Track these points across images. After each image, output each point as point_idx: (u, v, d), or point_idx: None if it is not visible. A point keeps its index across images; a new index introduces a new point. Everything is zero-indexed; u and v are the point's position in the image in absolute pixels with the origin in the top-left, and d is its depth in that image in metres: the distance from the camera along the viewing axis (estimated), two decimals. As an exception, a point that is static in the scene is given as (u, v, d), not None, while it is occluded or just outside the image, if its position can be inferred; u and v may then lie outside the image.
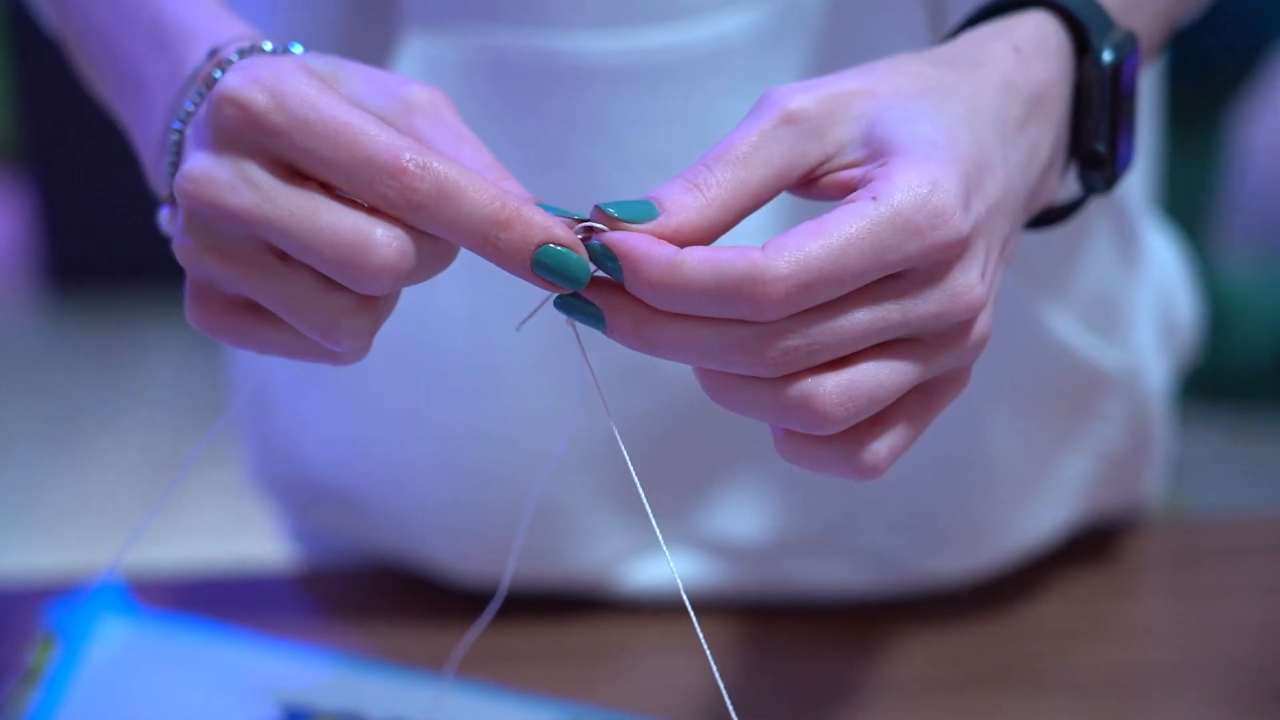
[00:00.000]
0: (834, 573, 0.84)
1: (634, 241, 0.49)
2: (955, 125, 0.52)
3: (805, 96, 0.52)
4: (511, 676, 0.78)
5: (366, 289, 0.51)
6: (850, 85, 0.52)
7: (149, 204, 2.87)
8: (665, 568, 0.84)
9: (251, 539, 2.34)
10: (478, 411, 0.80)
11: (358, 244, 0.50)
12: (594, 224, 0.50)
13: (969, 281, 0.51)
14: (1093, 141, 0.58)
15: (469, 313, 0.78)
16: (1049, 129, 0.56)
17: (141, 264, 3.06)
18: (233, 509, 2.44)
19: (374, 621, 0.84)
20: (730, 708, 0.51)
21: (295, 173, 0.51)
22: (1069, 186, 0.61)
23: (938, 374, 0.52)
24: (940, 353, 0.51)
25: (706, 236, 0.50)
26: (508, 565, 0.79)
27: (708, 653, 0.51)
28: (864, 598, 0.84)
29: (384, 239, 0.50)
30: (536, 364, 0.79)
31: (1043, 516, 0.84)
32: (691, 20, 0.72)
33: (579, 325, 0.52)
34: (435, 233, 0.50)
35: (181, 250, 0.52)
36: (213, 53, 0.56)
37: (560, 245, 0.50)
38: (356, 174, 0.49)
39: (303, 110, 0.50)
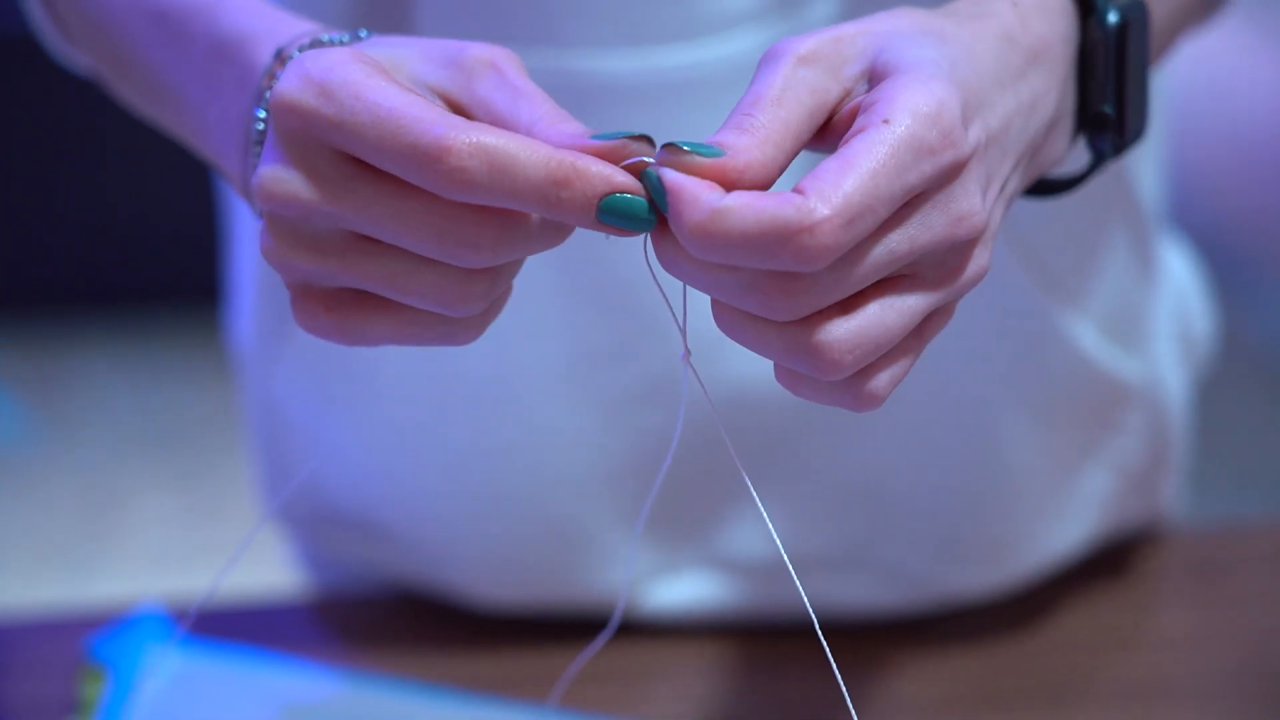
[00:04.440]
0: (854, 591, 0.84)
1: (684, 181, 0.49)
2: (955, 59, 0.52)
3: (811, 39, 0.52)
4: (564, 698, 0.78)
5: (471, 263, 0.51)
6: (851, 28, 0.53)
7: (79, 232, 2.83)
8: (686, 588, 0.85)
9: (195, 570, 2.32)
10: (499, 434, 0.80)
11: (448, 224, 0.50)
12: (648, 160, 0.50)
13: (971, 205, 0.51)
14: (1099, 103, 0.58)
15: (489, 333, 0.78)
16: (1052, 85, 0.56)
17: (73, 293, 3.02)
18: (174, 539, 2.41)
19: (395, 647, 0.84)
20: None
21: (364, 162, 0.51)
22: (1079, 158, 0.62)
23: (934, 307, 0.52)
24: (939, 287, 0.52)
25: (769, 176, 0.50)
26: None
27: (836, 672, 0.51)
28: (884, 616, 0.85)
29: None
30: (556, 385, 0.79)
31: (1064, 531, 0.85)
32: (706, 39, 0.73)
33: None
34: (499, 205, 0.49)
35: (269, 252, 0.52)
36: (278, 53, 0.56)
37: (623, 192, 0.49)
38: (405, 160, 0.49)
39: (349, 101, 0.49)
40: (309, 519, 0.87)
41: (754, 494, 0.56)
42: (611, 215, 0.49)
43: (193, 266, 2.92)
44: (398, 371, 0.80)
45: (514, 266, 0.54)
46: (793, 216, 0.48)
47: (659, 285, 0.53)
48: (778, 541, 0.57)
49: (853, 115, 0.52)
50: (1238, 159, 2.36)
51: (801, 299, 0.49)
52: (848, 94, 0.52)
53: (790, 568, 0.54)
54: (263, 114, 0.56)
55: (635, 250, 0.52)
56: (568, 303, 0.77)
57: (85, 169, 2.92)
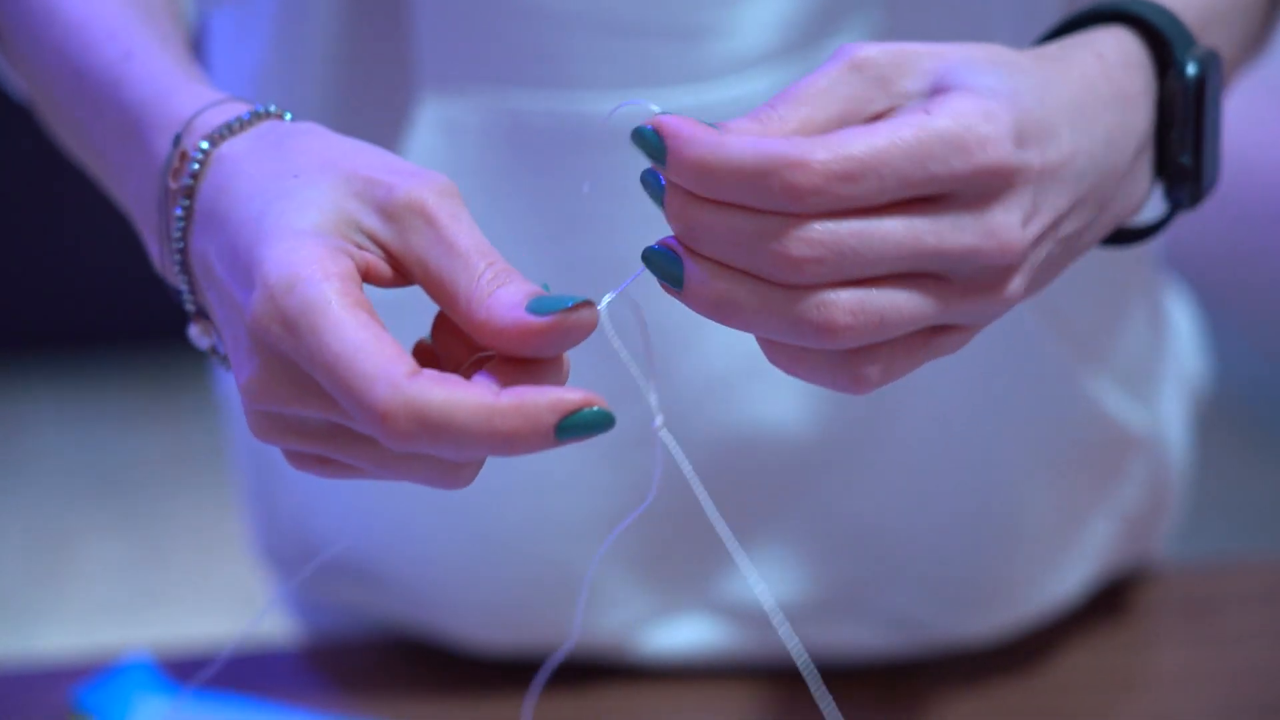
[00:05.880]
0: (857, 637, 0.83)
1: (680, 123, 0.49)
2: (1023, 89, 0.52)
3: (876, 48, 0.52)
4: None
5: (460, 460, 0.49)
6: (922, 47, 0.53)
7: (22, 274, 2.77)
8: (685, 632, 0.84)
9: (145, 615, 2.29)
10: (496, 477, 0.79)
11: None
12: (589, 301, 0.50)
13: (1009, 222, 0.50)
14: (1179, 154, 0.58)
15: None
16: (1130, 135, 0.56)
17: (16, 336, 2.99)
18: (122, 584, 2.38)
19: (388, 693, 0.83)
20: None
21: None
22: (1154, 208, 0.61)
23: (951, 321, 0.52)
24: (965, 298, 0.51)
25: None
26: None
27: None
28: (887, 661, 0.84)
29: None
30: None
31: (1066, 578, 0.85)
32: (714, 83, 0.72)
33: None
34: (448, 458, 0.49)
35: (256, 433, 0.51)
36: (176, 140, 0.54)
37: (576, 408, 0.48)
38: (353, 414, 0.48)
39: (307, 337, 0.48)
40: (300, 564, 0.85)
41: (736, 549, 0.55)
42: (571, 434, 0.48)
43: (138, 309, 2.89)
44: None
45: None
46: (787, 150, 0.48)
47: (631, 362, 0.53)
48: (760, 590, 0.56)
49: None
50: (1212, 204, 2.38)
51: (811, 241, 0.49)
52: (893, 107, 0.52)
53: (771, 614, 0.53)
54: (181, 212, 0.53)
55: (635, 292, 0.52)
56: None
57: (29, 212, 2.89)
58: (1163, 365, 0.86)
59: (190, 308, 0.55)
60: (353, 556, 0.83)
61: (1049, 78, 0.53)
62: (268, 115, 0.55)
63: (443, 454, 0.48)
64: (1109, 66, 0.56)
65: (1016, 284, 0.51)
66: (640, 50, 0.71)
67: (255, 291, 0.49)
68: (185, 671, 0.81)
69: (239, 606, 2.27)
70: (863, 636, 0.83)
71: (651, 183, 0.51)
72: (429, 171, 0.51)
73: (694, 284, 0.51)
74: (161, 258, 0.56)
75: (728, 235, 0.49)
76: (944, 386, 0.78)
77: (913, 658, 0.84)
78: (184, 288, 0.54)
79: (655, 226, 0.76)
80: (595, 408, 0.48)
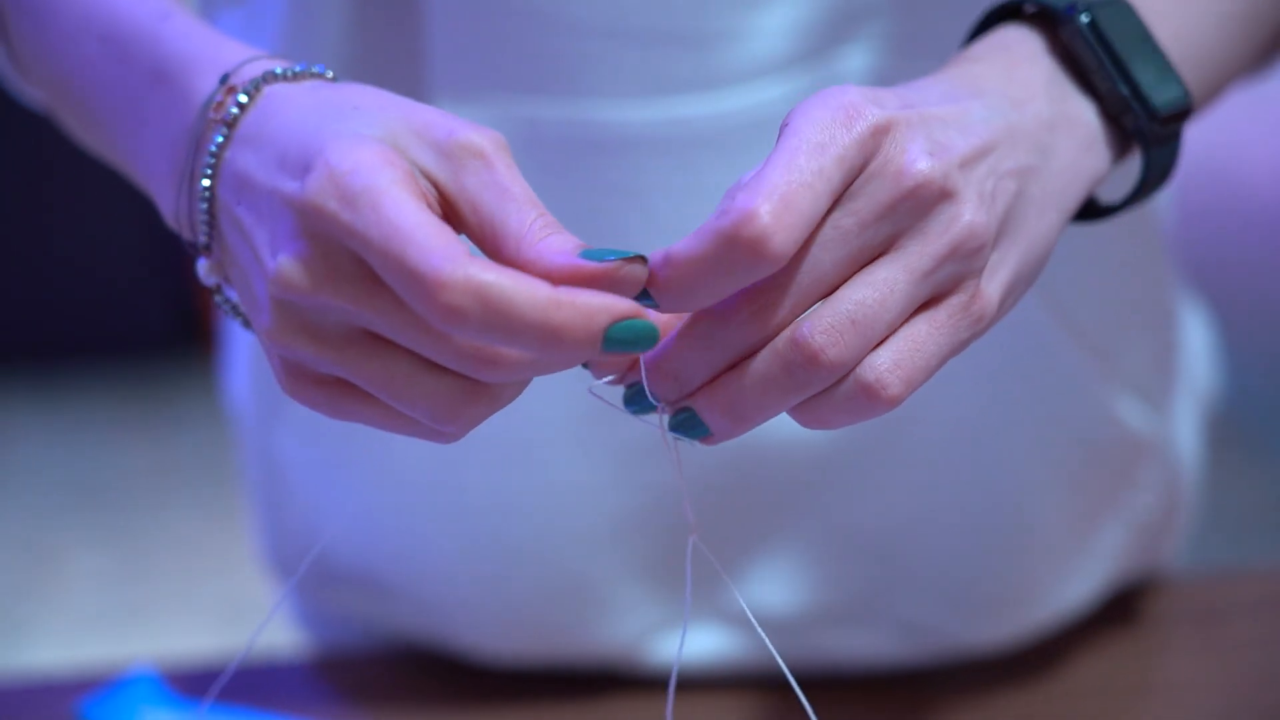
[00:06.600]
0: (868, 645, 0.83)
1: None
2: (871, 88, 0.53)
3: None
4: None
5: (487, 378, 0.49)
6: None
7: (9, 286, 2.77)
8: (695, 641, 0.84)
9: (131, 628, 2.28)
10: (507, 485, 0.79)
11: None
12: (642, 257, 0.49)
13: (909, 160, 0.50)
14: (1113, 88, 0.58)
15: None
16: (1032, 90, 0.56)
17: (3, 348, 2.98)
18: (107, 597, 2.37)
19: (399, 705, 0.82)
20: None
21: None
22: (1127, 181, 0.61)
23: (937, 288, 0.51)
24: (923, 250, 0.51)
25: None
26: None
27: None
28: (898, 669, 0.84)
29: None
30: (566, 437, 0.78)
31: (1078, 585, 0.85)
32: (729, 90, 0.72)
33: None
34: (493, 343, 0.48)
35: (270, 333, 0.51)
36: (224, 79, 0.55)
37: (627, 315, 0.48)
38: (403, 285, 0.47)
39: (367, 211, 0.48)
40: (309, 576, 0.85)
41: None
42: (617, 345, 0.48)
43: (124, 322, 2.89)
44: None
45: (519, 387, 0.52)
46: (726, 223, 0.48)
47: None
48: (749, 613, 0.56)
49: None
50: (1209, 209, 2.38)
51: (779, 309, 0.50)
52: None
53: (762, 633, 0.53)
54: (219, 138, 0.54)
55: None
56: None
57: (15, 224, 2.88)
58: (1176, 373, 0.86)
59: (204, 239, 0.55)
60: (361, 568, 0.83)
61: (910, 83, 0.55)
62: (318, 74, 0.55)
63: (490, 337, 0.47)
64: (977, 58, 0.58)
65: (969, 212, 0.51)
66: (654, 58, 0.71)
67: (313, 173, 0.49)
68: (185, 684, 0.81)
69: (226, 620, 2.26)
70: (874, 644, 0.83)
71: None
72: (486, 127, 0.51)
73: (709, 420, 0.52)
74: (179, 197, 0.56)
75: (705, 346, 0.51)
76: (956, 393, 0.77)
77: (924, 665, 0.84)
78: (204, 217, 0.54)
79: (669, 238, 0.76)
80: (643, 320, 0.48)
